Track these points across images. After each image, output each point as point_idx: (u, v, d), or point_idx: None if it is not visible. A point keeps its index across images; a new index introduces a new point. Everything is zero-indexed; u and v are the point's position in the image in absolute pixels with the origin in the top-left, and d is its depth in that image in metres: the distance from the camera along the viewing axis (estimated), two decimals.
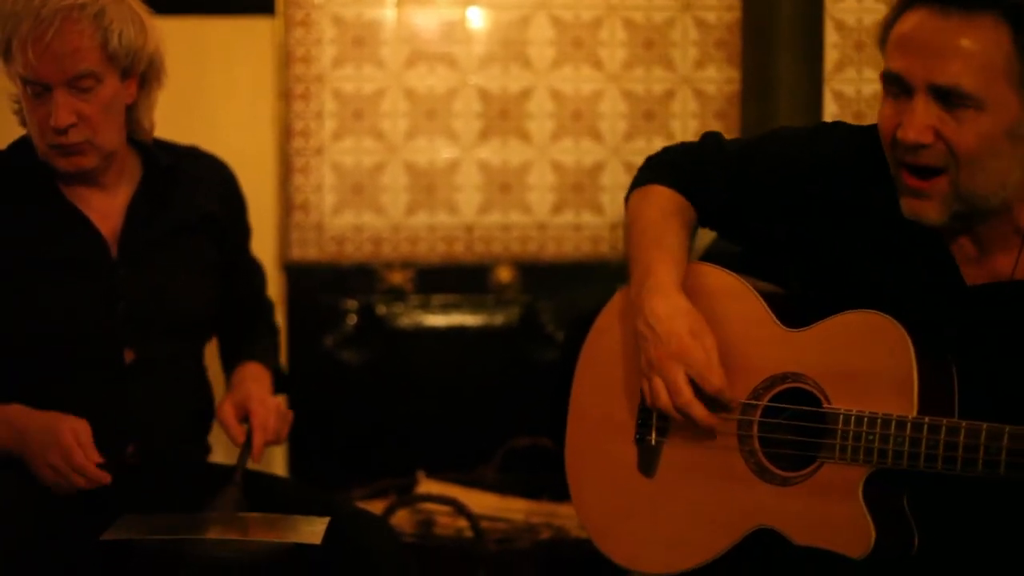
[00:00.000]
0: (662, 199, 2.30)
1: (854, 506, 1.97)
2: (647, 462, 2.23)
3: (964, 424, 1.88)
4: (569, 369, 2.38)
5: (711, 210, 2.30)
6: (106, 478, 2.38)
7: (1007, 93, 1.89)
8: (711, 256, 2.38)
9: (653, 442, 2.23)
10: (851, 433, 1.97)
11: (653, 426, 2.23)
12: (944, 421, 1.90)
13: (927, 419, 1.91)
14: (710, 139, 2.33)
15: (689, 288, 2.20)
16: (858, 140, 2.14)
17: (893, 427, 1.93)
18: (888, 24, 1.97)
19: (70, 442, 2.36)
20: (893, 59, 1.94)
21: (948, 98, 1.90)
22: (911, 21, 1.93)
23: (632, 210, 2.32)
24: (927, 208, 1.97)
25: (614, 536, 2.26)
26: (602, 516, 2.28)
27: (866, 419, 1.96)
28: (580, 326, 2.42)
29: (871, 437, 1.95)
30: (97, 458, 2.38)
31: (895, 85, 1.95)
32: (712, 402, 2.14)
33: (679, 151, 2.36)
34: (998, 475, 1.85)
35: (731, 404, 2.13)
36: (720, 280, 2.23)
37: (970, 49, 1.87)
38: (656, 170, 2.35)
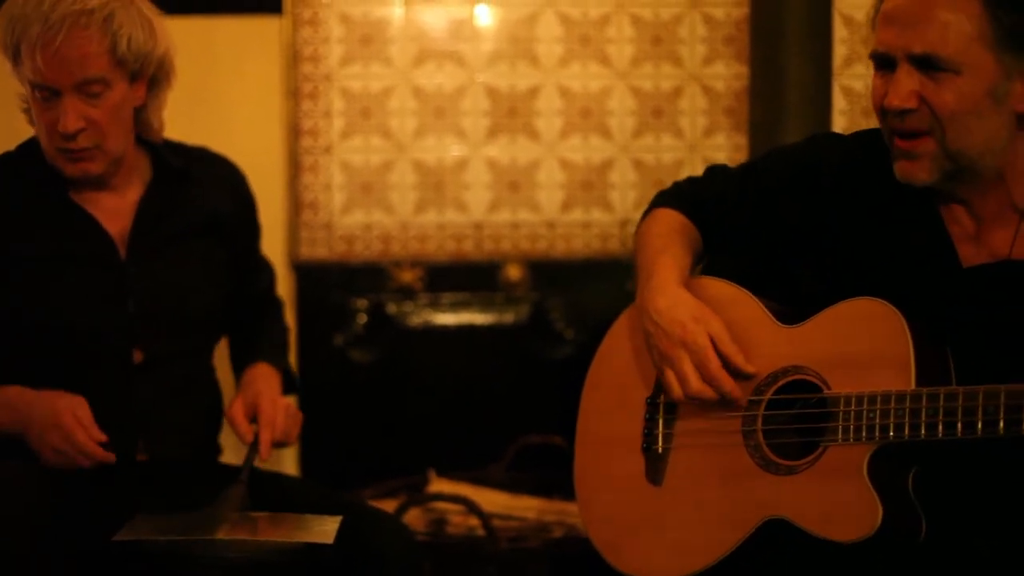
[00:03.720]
0: (668, 219, 2.37)
1: (860, 484, 1.99)
2: (654, 471, 2.25)
3: (962, 389, 1.93)
4: (582, 366, 2.40)
5: (719, 230, 2.36)
6: (110, 457, 2.39)
7: (982, 55, 1.99)
8: (707, 273, 2.40)
9: (660, 450, 2.24)
10: (852, 413, 2.01)
11: (660, 434, 2.25)
12: (942, 389, 1.95)
13: (925, 390, 1.96)
14: (714, 169, 2.43)
15: None
16: (853, 141, 2.27)
17: (893, 402, 1.98)
18: (876, 10, 2.09)
19: (70, 422, 2.37)
20: (878, 39, 2.06)
21: (926, 65, 2.00)
22: (891, 1, 2.05)
23: (639, 232, 2.40)
24: (917, 169, 2.06)
25: (624, 548, 2.27)
26: (612, 530, 2.29)
27: (866, 398, 2.00)
28: (593, 327, 2.45)
29: (872, 414, 1.99)
30: (99, 436, 2.39)
31: (881, 62, 2.06)
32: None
33: (687, 182, 2.44)
34: (998, 434, 1.89)
35: (738, 399, 2.15)
36: (718, 289, 2.27)
37: (943, 18, 1.99)
38: (663, 197, 2.43)
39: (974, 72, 1.99)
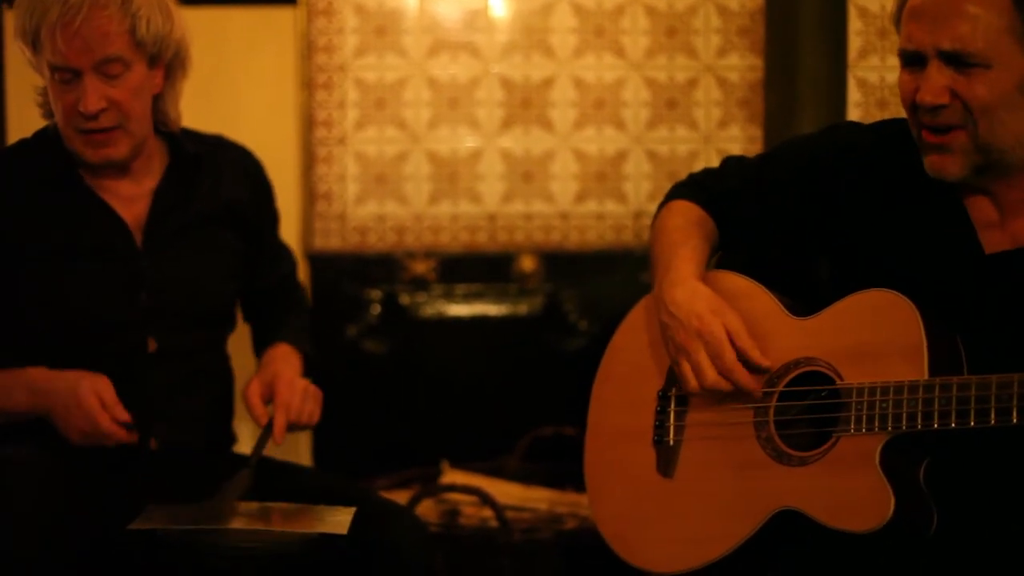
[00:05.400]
0: (684, 210, 2.37)
1: (872, 474, 1.99)
2: (666, 463, 2.25)
3: (974, 379, 1.94)
4: (596, 358, 2.40)
5: (736, 222, 2.35)
6: (133, 438, 2.40)
7: (1012, 49, 2.00)
8: (721, 266, 2.41)
9: (671, 442, 2.25)
10: (865, 403, 2.02)
11: (671, 426, 2.25)
12: (955, 379, 1.96)
13: (938, 380, 1.97)
14: (731, 160, 2.42)
15: None
16: (872, 130, 2.26)
17: (906, 391, 1.98)
18: (900, 6, 2.09)
19: (93, 405, 2.38)
20: (905, 35, 2.06)
21: (957, 60, 2.01)
22: None
23: (656, 224, 2.40)
24: (948, 163, 2.07)
25: (635, 540, 2.27)
26: (622, 523, 2.29)
27: (879, 388, 2.01)
28: (606, 319, 2.44)
29: (885, 404, 2.00)
30: (123, 415, 2.40)
31: (910, 58, 2.07)
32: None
33: (703, 174, 2.44)
34: (1011, 423, 1.90)
35: (755, 392, 2.15)
36: (732, 282, 2.27)
37: (972, 13, 1.99)
38: (680, 189, 2.42)
39: (1004, 66, 2.00)
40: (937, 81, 2.02)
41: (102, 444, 2.40)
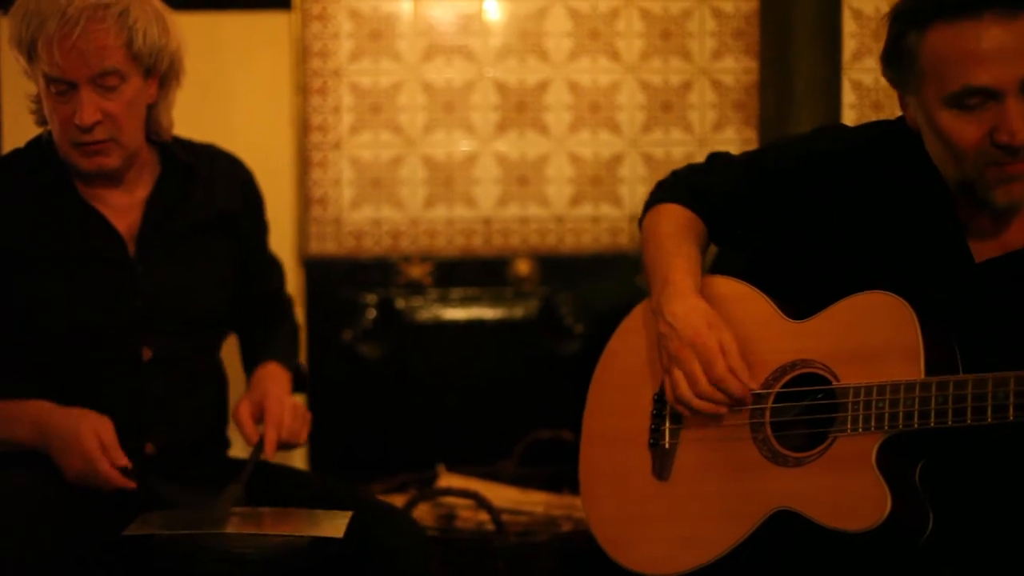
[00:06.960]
0: (674, 215, 2.37)
1: (868, 473, 1.99)
2: (661, 466, 2.25)
3: (971, 377, 1.93)
4: (592, 361, 2.41)
5: (722, 220, 2.36)
6: (131, 485, 2.38)
7: None
8: (717, 269, 2.41)
9: (667, 445, 2.25)
10: (861, 403, 2.02)
11: (667, 429, 2.25)
12: (951, 378, 1.95)
13: (935, 379, 1.96)
14: (716, 157, 2.41)
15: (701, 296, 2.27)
16: (860, 135, 2.23)
17: (902, 391, 1.98)
18: (909, 44, 2.01)
19: (94, 450, 2.36)
20: (976, 74, 1.96)
21: None
22: (975, 32, 1.96)
23: (646, 229, 2.39)
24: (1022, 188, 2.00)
25: (630, 544, 2.27)
26: (617, 526, 2.29)
27: (875, 388, 2.01)
28: (602, 322, 2.44)
29: (881, 404, 2.00)
30: (122, 460, 2.38)
31: (979, 96, 1.97)
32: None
33: (687, 171, 2.43)
34: (1007, 420, 1.89)
35: (745, 399, 2.15)
36: (728, 287, 2.28)
37: None
38: (666, 190, 2.42)
39: None
40: (1022, 115, 1.94)
41: (97, 487, 2.39)
